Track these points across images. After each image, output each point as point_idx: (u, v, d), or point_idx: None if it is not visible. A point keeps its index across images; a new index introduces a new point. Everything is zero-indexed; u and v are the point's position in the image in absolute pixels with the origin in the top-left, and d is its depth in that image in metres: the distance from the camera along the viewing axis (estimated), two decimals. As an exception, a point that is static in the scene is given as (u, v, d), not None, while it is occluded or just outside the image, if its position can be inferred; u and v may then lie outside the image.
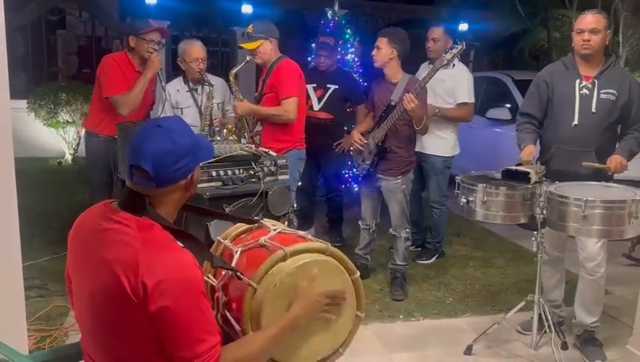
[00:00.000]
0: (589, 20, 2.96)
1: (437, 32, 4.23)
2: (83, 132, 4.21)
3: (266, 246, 1.67)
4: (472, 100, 4.21)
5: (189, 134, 1.53)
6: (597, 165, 2.92)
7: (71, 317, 3.24)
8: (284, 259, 1.59)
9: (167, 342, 1.37)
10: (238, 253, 1.69)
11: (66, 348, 1.99)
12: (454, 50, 3.37)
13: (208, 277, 1.75)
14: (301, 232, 1.81)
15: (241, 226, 1.89)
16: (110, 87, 3.50)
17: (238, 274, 1.57)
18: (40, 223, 4.66)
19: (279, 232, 1.76)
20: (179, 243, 1.47)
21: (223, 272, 1.69)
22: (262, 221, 1.87)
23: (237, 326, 1.57)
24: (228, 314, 1.63)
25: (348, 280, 1.69)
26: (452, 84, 4.03)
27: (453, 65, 3.80)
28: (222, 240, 1.83)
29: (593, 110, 2.96)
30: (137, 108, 3.55)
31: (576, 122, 2.99)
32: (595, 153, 2.98)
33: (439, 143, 4.17)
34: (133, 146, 1.46)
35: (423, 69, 4.15)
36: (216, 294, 1.68)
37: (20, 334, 2.42)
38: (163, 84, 3.71)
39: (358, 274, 1.72)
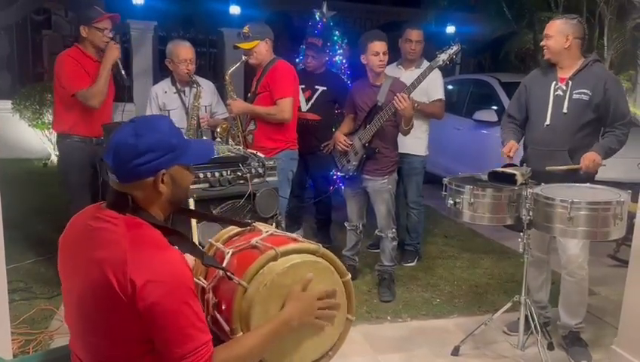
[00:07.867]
0: (546, 26, 3.07)
1: (418, 34, 4.25)
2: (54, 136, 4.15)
3: (257, 246, 1.65)
4: (444, 97, 4.33)
5: (162, 132, 1.46)
6: (562, 167, 2.94)
7: (56, 321, 3.21)
8: (275, 258, 1.58)
9: (158, 341, 1.36)
10: (230, 254, 1.67)
11: (51, 352, 1.97)
12: (450, 51, 3.39)
13: (199, 279, 1.74)
14: (293, 234, 1.80)
15: (234, 229, 1.87)
16: (74, 84, 3.44)
17: (229, 273, 1.56)
18: (25, 225, 4.61)
19: (271, 234, 1.75)
20: (168, 241, 1.45)
21: (214, 274, 1.67)
22: (254, 224, 1.86)
23: (226, 327, 1.55)
24: (218, 315, 1.61)
25: (339, 281, 1.68)
26: (426, 82, 4.04)
27: (450, 63, 3.80)
28: (214, 243, 1.81)
29: (565, 110, 3.00)
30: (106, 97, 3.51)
31: (548, 122, 3.04)
32: (568, 153, 3.00)
33: (416, 143, 4.20)
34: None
35: (390, 71, 4.04)
36: (207, 296, 1.66)
37: (4, 338, 2.39)
38: (122, 72, 3.63)
39: (349, 276, 1.71)
